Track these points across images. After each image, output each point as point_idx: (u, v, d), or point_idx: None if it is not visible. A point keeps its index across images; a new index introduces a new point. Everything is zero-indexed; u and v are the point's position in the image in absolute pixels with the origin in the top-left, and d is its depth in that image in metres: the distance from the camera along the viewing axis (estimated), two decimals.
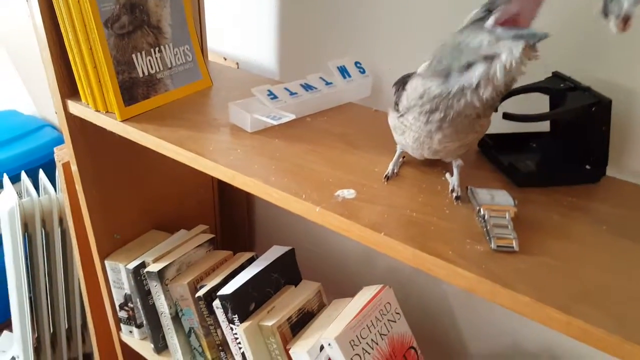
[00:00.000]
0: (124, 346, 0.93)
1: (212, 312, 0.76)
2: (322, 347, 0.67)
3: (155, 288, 0.79)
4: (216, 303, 0.73)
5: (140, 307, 0.83)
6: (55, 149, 0.81)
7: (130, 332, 0.90)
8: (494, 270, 0.41)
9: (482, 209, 0.46)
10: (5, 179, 1.12)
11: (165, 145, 0.58)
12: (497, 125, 0.54)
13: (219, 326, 0.76)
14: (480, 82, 0.42)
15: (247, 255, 0.84)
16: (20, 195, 1.10)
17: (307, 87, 0.70)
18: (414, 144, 0.50)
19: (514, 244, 0.43)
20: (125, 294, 0.85)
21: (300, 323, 0.74)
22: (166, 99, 0.67)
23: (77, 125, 0.69)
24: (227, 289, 0.72)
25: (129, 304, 0.86)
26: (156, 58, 0.65)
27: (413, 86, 0.47)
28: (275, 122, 0.58)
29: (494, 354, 0.82)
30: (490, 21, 0.40)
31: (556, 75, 0.56)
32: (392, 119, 0.52)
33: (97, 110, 0.63)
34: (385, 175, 0.53)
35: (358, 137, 0.62)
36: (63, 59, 0.63)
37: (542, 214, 0.48)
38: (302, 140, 0.61)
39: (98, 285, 0.87)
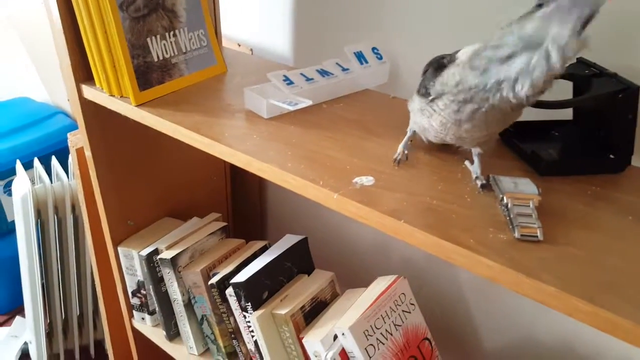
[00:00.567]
0: (136, 333, 0.94)
1: (224, 300, 0.76)
2: (335, 337, 0.67)
3: (168, 275, 0.80)
4: (229, 291, 0.73)
5: (152, 294, 0.83)
6: (68, 135, 0.81)
7: (143, 319, 0.91)
8: (518, 259, 0.40)
9: (505, 197, 0.45)
10: (19, 166, 1.13)
11: (181, 130, 0.57)
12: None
13: (232, 314, 0.76)
14: (519, 76, 0.40)
15: (260, 243, 0.84)
16: (33, 181, 1.10)
17: (324, 72, 0.69)
18: (439, 127, 0.48)
19: (539, 233, 0.42)
20: (138, 280, 0.86)
21: (313, 312, 0.74)
22: (181, 84, 0.67)
23: (92, 111, 0.69)
24: (241, 277, 0.72)
25: (142, 291, 0.86)
26: (171, 42, 0.64)
27: (450, 72, 0.46)
28: (292, 108, 0.57)
29: (508, 346, 0.81)
30: (540, 12, 0.39)
31: (581, 62, 0.54)
32: (418, 102, 0.51)
33: (111, 95, 0.63)
34: (395, 159, 0.52)
35: (375, 124, 0.61)
36: (78, 43, 0.63)
37: (565, 204, 0.47)
38: (319, 126, 0.60)
39: (111, 272, 0.87)
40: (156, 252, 0.80)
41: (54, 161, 1.16)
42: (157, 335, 0.89)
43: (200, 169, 0.92)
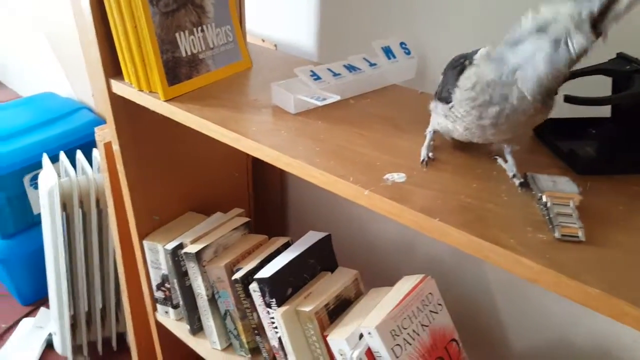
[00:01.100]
0: (160, 326, 0.94)
1: (248, 295, 0.76)
2: (361, 336, 0.66)
3: (193, 269, 0.80)
4: (253, 286, 0.73)
5: (177, 287, 0.83)
6: (96, 129, 0.82)
7: (166, 312, 0.91)
8: (559, 260, 0.39)
9: (544, 196, 0.43)
10: (45, 159, 1.15)
11: (210, 125, 0.57)
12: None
13: (255, 310, 0.76)
14: (529, 61, 0.39)
15: (283, 240, 0.83)
16: (58, 175, 1.11)
17: (351, 68, 0.68)
18: (464, 131, 0.47)
19: (580, 233, 0.40)
20: (163, 274, 0.86)
21: (337, 310, 0.73)
22: (208, 80, 0.66)
23: (120, 105, 0.69)
24: (265, 272, 0.72)
25: (166, 284, 0.87)
26: (199, 38, 0.64)
27: (466, 76, 0.45)
28: (320, 103, 0.56)
29: (538, 349, 0.79)
30: None
31: (621, 57, 0.52)
32: (440, 107, 0.49)
33: (140, 90, 0.63)
34: (422, 160, 0.51)
35: (404, 119, 0.60)
36: (107, 38, 0.63)
37: (605, 203, 0.46)
38: (347, 122, 0.59)
39: (135, 265, 0.88)
40: (181, 246, 0.80)
41: (79, 155, 1.17)
42: (180, 329, 0.90)
43: (222, 164, 0.92)
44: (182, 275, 0.82)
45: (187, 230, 0.82)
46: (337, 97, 0.58)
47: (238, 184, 0.98)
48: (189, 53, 0.63)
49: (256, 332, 0.79)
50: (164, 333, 0.95)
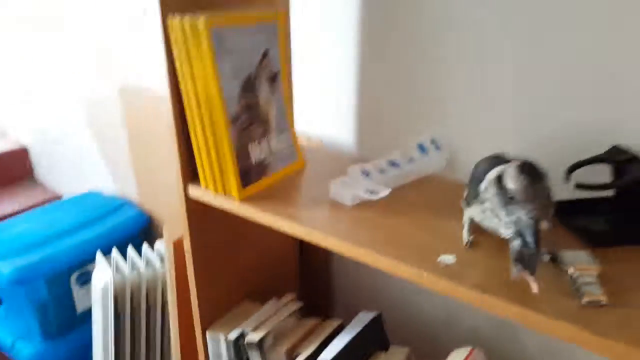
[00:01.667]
0: None
1: None
2: None
3: (255, 358, 0.91)
4: None
5: None
6: (164, 227, 0.99)
7: None
8: (588, 321, 0.51)
9: (570, 269, 0.57)
10: (99, 256, 1.31)
11: (280, 221, 0.73)
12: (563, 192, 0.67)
13: None
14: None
15: (335, 322, 0.96)
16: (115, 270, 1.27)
17: (393, 163, 0.85)
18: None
19: (603, 298, 0.53)
20: None
21: None
22: (272, 180, 0.84)
23: (192, 208, 0.86)
24: (328, 355, 0.83)
25: None
26: (265, 146, 0.82)
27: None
28: (375, 197, 0.72)
29: None
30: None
31: (615, 149, 0.68)
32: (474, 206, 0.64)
33: (217, 193, 0.80)
34: (466, 243, 0.65)
35: (442, 206, 0.75)
36: (187, 150, 0.82)
37: (621, 270, 0.59)
38: (394, 211, 0.75)
39: (196, 356, 1.00)
40: (242, 335, 0.93)
41: (130, 251, 1.33)
42: None
43: (273, 252, 1.07)
44: None
45: (246, 319, 0.95)
46: (388, 191, 0.74)
47: (287, 270, 1.12)
48: (258, 160, 0.81)
49: None
50: None
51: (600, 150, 0.70)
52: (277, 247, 1.09)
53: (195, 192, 0.84)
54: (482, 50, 0.81)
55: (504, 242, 0.66)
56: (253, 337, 0.90)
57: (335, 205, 0.77)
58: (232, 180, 0.78)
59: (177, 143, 0.81)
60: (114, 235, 1.54)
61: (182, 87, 0.77)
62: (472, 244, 0.66)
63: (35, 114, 2.15)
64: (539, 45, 0.75)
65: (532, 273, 0.55)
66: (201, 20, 0.70)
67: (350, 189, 0.76)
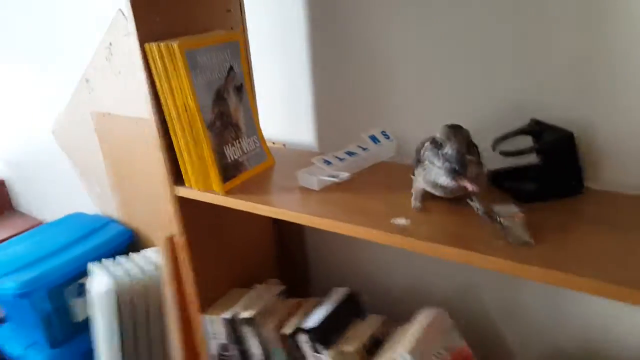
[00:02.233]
0: None
1: (298, 348, 0.93)
2: None
3: (248, 333, 0.98)
4: (303, 338, 0.92)
5: (236, 352, 1.00)
6: (155, 229, 1.04)
7: None
8: (515, 255, 0.61)
9: (500, 218, 0.67)
10: (91, 266, 1.34)
11: (258, 207, 0.80)
12: (501, 161, 0.77)
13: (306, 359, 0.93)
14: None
15: (314, 300, 1.03)
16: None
17: (349, 153, 0.93)
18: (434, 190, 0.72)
19: (527, 237, 0.63)
20: (220, 343, 1.03)
21: (373, 348, 0.92)
22: (247, 176, 0.91)
23: (182, 205, 0.92)
24: (312, 324, 0.91)
25: (225, 353, 1.03)
26: (238, 147, 0.90)
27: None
28: (338, 180, 0.81)
29: (538, 355, 0.98)
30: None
31: (534, 121, 0.79)
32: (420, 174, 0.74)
33: (201, 190, 0.87)
34: (415, 207, 0.75)
35: (395, 183, 0.85)
36: (171, 157, 0.88)
37: (544, 218, 0.69)
38: (355, 190, 0.83)
39: (192, 341, 1.05)
40: (235, 315, 0.99)
41: (122, 259, 1.37)
42: None
43: (254, 243, 1.14)
44: (240, 340, 1.00)
45: (236, 302, 1.02)
46: (347, 174, 0.83)
47: (267, 258, 1.19)
48: (233, 159, 0.88)
49: None
50: None
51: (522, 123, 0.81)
52: (258, 239, 1.16)
53: (182, 192, 0.90)
54: (418, 54, 0.91)
55: (447, 207, 0.76)
56: (246, 314, 0.97)
57: (304, 190, 0.85)
58: (214, 177, 0.85)
59: (162, 151, 0.88)
60: (102, 250, 1.56)
61: (162, 101, 0.84)
62: (420, 209, 0.75)
63: (8, 145, 2.14)
64: (464, 49, 0.86)
65: (465, 176, 0.66)
66: (176, 44, 0.78)
67: (315, 176, 0.84)
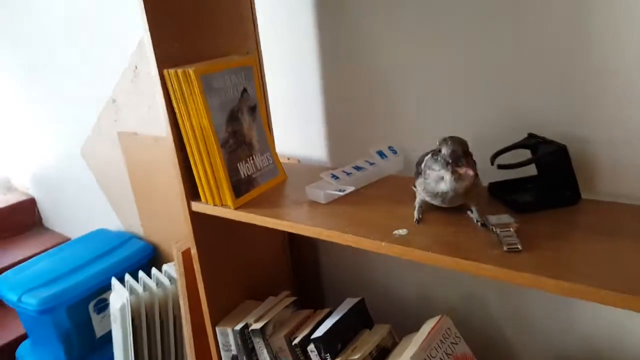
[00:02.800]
0: None
1: (307, 357, 0.99)
2: None
3: (259, 344, 1.04)
4: (310, 347, 0.97)
5: None
6: (172, 243, 1.12)
7: None
8: (507, 262, 0.66)
9: (494, 227, 0.72)
10: (114, 281, 1.43)
11: (269, 220, 0.87)
12: (500, 174, 0.82)
13: None
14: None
15: (325, 310, 1.08)
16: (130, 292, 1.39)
17: (357, 167, 1.00)
18: (434, 200, 0.78)
19: (518, 245, 0.68)
20: (232, 355, 1.09)
21: (379, 357, 0.97)
22: (260, 191, 0.98)
23: (196, 220, 1.00)
24: (318, 333, 0.96)
25: None
26: (251, 164, 0.97)
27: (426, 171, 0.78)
28: (342, 194, 0.87)
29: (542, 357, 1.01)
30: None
31: (531, 135, 0.84)
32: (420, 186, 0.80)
33: (215, 205, 0.94)
34: (415, 220, 0.80)
35: (400, 197, 0.90)
36: (187, 174, 0.96)
37: (539, 227, 0.74)
38: (361, 203, 0.89)
39: (207, 352, 1.12)
40: (246, 326, 1.05)
41: (141, 274, 1.45)
42: None
43: (267, 257, 1.21)
44: (250, 351, 1.06)
45: (249, 313, 1.08)
46: (352, 188, 0.89)
47: (280, 271, 1.25)
48: (246, 175, 0.96)
49: None
50: None
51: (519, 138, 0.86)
52: (270, 251, 1.22)
53: (197, 207, 0.98)
54: (422, 77, 0.98)
55: (447, 217, 0.81)
56: (256, 325, 1.03)
57: (312, 204, 0.92)
58: (227, 193, 0.92)
59: (178, 168, 0.96)
60: (123, 265, 1.65)
61: (179, 122, 0.92)
62: (420, 221, 0.80)
63: (37, 163, 2.28)
64: (466, 72, 0.92)
65: (461, 165, 0.71)
66: (192, 70, 0.86)
67: (323, 190, 0.90)
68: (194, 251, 1.02)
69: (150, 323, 1.39)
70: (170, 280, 1.44)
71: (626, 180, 0.81)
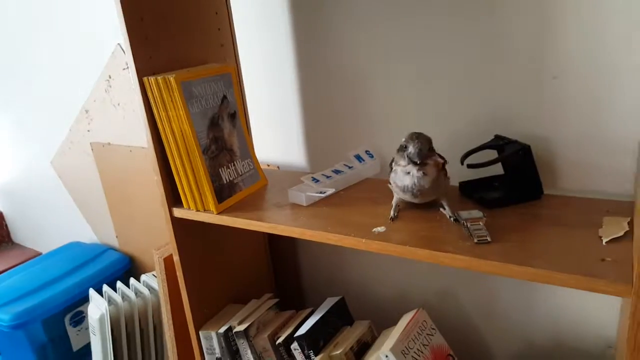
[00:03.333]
0: None
1: (291, 356, 1.03)
2: None
3: (243, 345, 1.08)
4: (294, 345, 1.02)
5: None
6: (153, 251, 1.15)
7: None
8: (478, 252, 0.72)
9: (465, 222, 0.78)
10: (92, 292, 1.44)
11: (252, 222, 0.92)
12: (470, 173, 0.89)
13: None
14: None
15: (307, 310, 1.13)
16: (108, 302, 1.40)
17: (336, 171, 1.06)
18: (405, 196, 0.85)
19: (488, 237, 0.75)
20: (217, 357, 1.13)
21: (360, 351, 1.02)
22: (241, 196, 1.03)
23: (177, 226, 1.04)
24: (301, 332, 1.01)
25: None
26: (232, 169, 1.02)
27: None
28: (323, 195, 0.93)
29: (512, 348, 1.08)
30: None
31: (497, 136, 0.92)
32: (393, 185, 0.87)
33: (197, 210, 0.98)
34: (391, 218, 0.86)
35: (378, 198, 0.96)
36: (168, 181, 1.00)
37: (506, 221, 0.81)
38: (341, 204, 0.95)
39: (192, 357, 1.15)
40: (230, 329, 1.09)
41: (119, 284, 1.47)
42: None
43: (248, 260, 1.25)
44: (234, 353, 1.09)
45: (232, 316, 1.12)
46: (332, 190, 0.95)
47: (262, 274, 1.29)
48: (228, 180, 1.00)
49: None
50: None
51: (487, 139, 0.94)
52: (251, 256, 1.26)
53: (179, 213, 1.01)
54: (395, 83, 1.05)
55: (421, 214, 0.88)
56: (240, 327, 1.07)
57: (294, 206, 0.97)
58: (210, 198, 0.96)
59: (160, 174, 0.99)
60: (100, 277, 1.66)
61: (160, 129, 0.96)
62: (395, 218, 0.87)
63: (3, 175, 2.25)
64: (434, 77, 0.99)
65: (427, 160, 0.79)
66: (172, 77, 0.91)
67: (304, 192, 0.96)
68: (176, 258, 1.05)
69: (130, 333, 1.41)
70: (149, 290, 1.46)
71: (577, 176, 0.89)
